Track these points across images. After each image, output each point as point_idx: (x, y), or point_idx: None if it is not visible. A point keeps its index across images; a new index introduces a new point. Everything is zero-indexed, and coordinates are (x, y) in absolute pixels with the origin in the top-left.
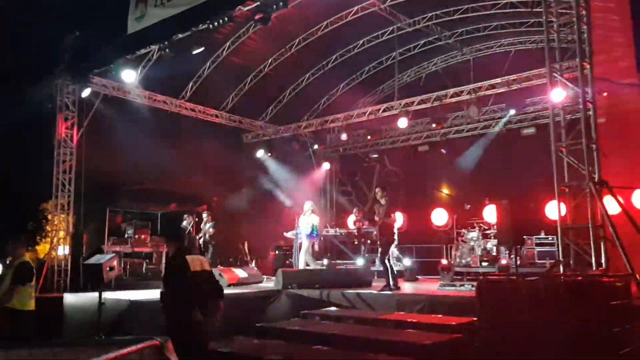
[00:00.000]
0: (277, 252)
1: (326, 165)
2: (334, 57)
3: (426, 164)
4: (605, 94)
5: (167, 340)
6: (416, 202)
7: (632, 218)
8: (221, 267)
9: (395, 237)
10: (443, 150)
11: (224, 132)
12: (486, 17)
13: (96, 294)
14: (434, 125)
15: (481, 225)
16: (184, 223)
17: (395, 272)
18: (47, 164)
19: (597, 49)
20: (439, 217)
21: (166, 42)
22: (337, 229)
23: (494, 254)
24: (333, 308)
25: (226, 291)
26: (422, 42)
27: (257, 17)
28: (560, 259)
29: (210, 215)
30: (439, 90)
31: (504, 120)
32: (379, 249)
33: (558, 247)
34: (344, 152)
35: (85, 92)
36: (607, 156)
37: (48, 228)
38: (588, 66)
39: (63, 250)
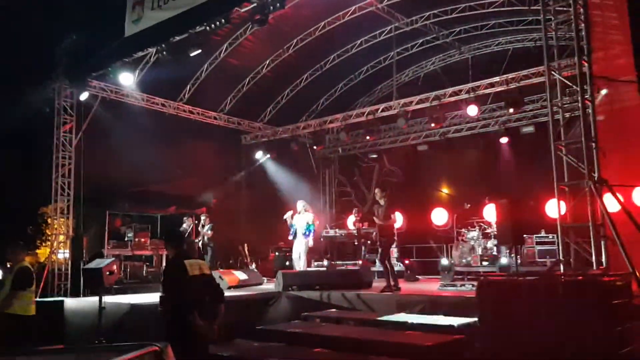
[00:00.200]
0: (277, 253)
1: (325, 166)
2: (331, 57)
3: (425, 163)
4: (604, 91)
5: (167, 345)
6: (416, 201)
7: (632, 216)
8: (221, 270)
9: (395, 237)
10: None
11: (223, 134)
12: (484, 15)
13: (96, 298)
14: (432, 124)
15: (481, 224)
16: (184, 226)
17: (396, 272)
18: (46, 168)
19: (595, 47)
20: (439, 216)
21: (163, 45)
22: (337, 229)
23: (495, 253)
24: (333, 310)
25: (226, 293)
26: (420, 41)
27: (254, 18)
28: (561, 258)
29: (208, 217)
30: (437, 90)
31: None
32: (379, 250)
33: (558, 245)
34: (343, 152)
35: (84, 96)
36: (606, 154)
37: (48, 232)
38: (586, 64)
39: (63, 254)
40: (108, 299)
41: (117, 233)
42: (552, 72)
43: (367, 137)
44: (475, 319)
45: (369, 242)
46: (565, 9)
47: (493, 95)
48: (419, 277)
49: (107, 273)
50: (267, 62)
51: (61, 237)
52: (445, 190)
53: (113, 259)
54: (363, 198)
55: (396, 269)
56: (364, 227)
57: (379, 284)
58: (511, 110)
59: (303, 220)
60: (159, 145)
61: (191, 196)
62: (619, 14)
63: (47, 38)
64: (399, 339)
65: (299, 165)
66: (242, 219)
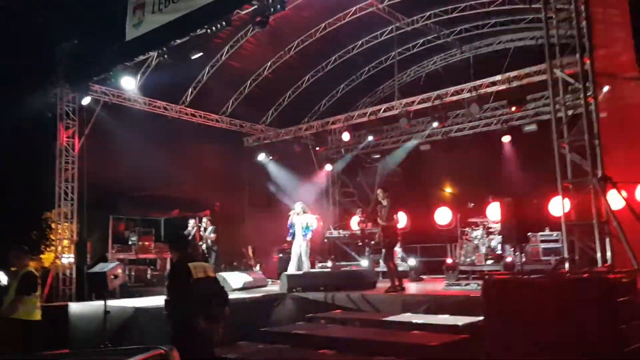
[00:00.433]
0: (281, 255)
1: (328, 167)
2: (333, 58)
3: (428, 163)
4: (606, 88)
5: (173, 349)
6: (419, 201)
7: (636, 213)
8: (225, 272)
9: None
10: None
11: (225, 137)
12: (485, 14)
13: (101, 302)
14: (435, 124)
15: (485, 223)
16: (189, 228)
17: (400, 272)
18: (49, 173)
19: (597, 44)
20: (443, 216)
21: (164, 48)
22: (341, 230)
23: (499, 251)
24: (338, 311)
25: (230, 296)
26: (421, 41)
27: (255, 20)
28: (566, 256)
29: (210, 220)
30: (439, 89)
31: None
32: (383, 250)
33: (563, 243)
34: (346, 153)
35: (86, 100)
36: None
37: (52, 237)
38: (588, 61)
39: (67, 258)
40: (113, 303)
41: (120, 237)
42: (554, 70)
43: (370, 138)
44: (481, 318)
45: (372, 242)
46: (566, 6)
47: (495, 94)
48: (424, 276)
49: (112, 277)
50: (269, 64)
51: (65, 242)
52: (448, 190)
53: (117, 262)
54: (366, 198)
55: (400, 268)
56: (367, 228)
57: (383, 284)
58: (513, 108)
59: (302, 222)
60: (162, 149)
61: (194, 199)
62: (620, 10)
63: (48, 43)
64: (405, 339)
65: (302, 166)
66: (246, 221)
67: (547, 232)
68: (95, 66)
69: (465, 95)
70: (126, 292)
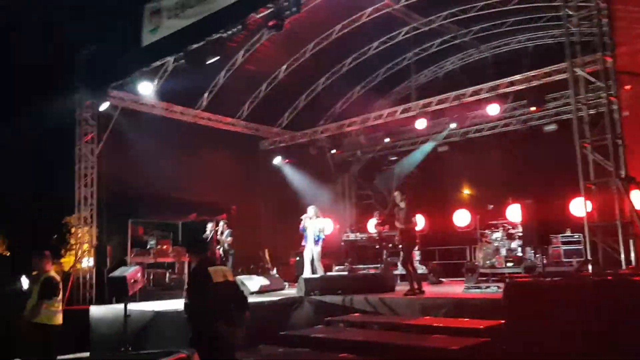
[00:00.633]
0: (298, 258)
1: (344, 170)
2: (348, 60)
3: (446, 164)
4: (628, 86)
5: (194, 352)
6: (437, 203)
7: None
8: (242, 276)
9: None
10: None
11: (241, 140)
12: (502, 13)
13: (121, 306)
14: (453, 125)
15: (505, 225)
16: (207, 232)
17: (419, 275)
18: (68, 178)
19: (618, 42)
20: (461, 218)
21: (181, 53)
22: (358, 233)
23: (519, 254)
24: (357, 314)
25: (248, 299)
26: (438, 41)
27: (270, 24)
28: (589, 257)
29: (227, 223)
30: (457, 90)
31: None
32: (401, 253)
33: (585, 245)
34: (362, 155)
35: (104, 106)
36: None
37: (72, 241)
38: (610, 59)
39: (87, 262)
40: (132, 307)
41: (139, 241)
42: (575, 69)
43: (387, 140)
44: (502, 321)
45: (390, 245)
46: (586, 4)
47: (514, 94)
48: (443, 279)
49: (132, 281)
50: (284, 67)
51: (85, 246)
52: (466, 191)
53: (137, 266)
54: (383, 201)
55: (419, 271)
56: (385, 231)
57: (401, 287)
58: (533, 108)
59: (315, 226)
60: (179, 153)
61: (211, 203)
62: None
63: (67, 50)
64: (425, 343)
65: (318, 169)
66: (262, 224)
67: (568, 233)
68: (113, 72)
69: (484, 95)
70: (145, 295)
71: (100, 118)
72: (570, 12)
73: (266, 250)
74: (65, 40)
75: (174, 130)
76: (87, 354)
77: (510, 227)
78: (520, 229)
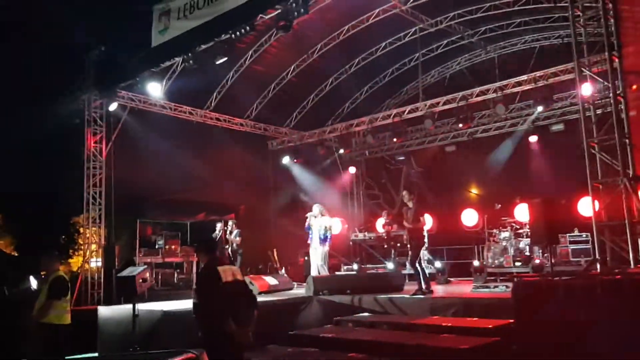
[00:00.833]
0: (306, 258)
1: (352, 169)
2: (356, 60)
3: (454, 164)
4: (635, 86)
5: (203, 352)
6: (445, 203)
7: None
8: (251, 275)
9: (425, 239)
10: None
11: (250, 140)
12: (509, 14)
13: (130, 306)
14: (460, 125)
15: (513, 224)
16: (216, 231)
17: (427, 275)
18: (77, 178)
19: (625, 42)
20: (469, 217)
21: (189, 54)
22: (366, 232)
23: (527, 253)
24: (366, 314)
25: (258, 299)
26: (445, 42)
27: (278, 24)
28: (597, 256)
29: (235, 223)
30: (464, 90)
31: (532, 117)
32: (410, 252)
33: (593, 244)
34: (370, 155)
35: (113, 106)
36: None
37: (80, 241)
38: (617, 59)
39: (96, 262)
40: (141, 306)
41: (147, 241)
42: (582, 69)
43: (394, 140)
44: (511, 320)
45: (398, 244)
46: (593, 4)
47: (521, 94)
48: (451, 279)
49: (140, 281)
50: (292, 67)
51: (93, 246)
52: (474, 191)
53: (145, 266)
54: (392, 200)
55: (427, 271)
56: (393, 230)
57: (409, 287)
58: (540, 108)
59: (320, 225)
60: (187, 153)
61: (220, 203)
62: None
63: (76, 50)
64: (435, 343)
65: (326, 169)
66: (271, 224)
67: (576, 232)
68: (122, 72)
69: (491, 95)
70: (153, 295)
71: (109, 118)
72: (577, 13)
73: (274, 250)
74: (75, 41)
75: (182, 130)
76: (95, 354)
77: (518, 227)
78: (528, 229)
